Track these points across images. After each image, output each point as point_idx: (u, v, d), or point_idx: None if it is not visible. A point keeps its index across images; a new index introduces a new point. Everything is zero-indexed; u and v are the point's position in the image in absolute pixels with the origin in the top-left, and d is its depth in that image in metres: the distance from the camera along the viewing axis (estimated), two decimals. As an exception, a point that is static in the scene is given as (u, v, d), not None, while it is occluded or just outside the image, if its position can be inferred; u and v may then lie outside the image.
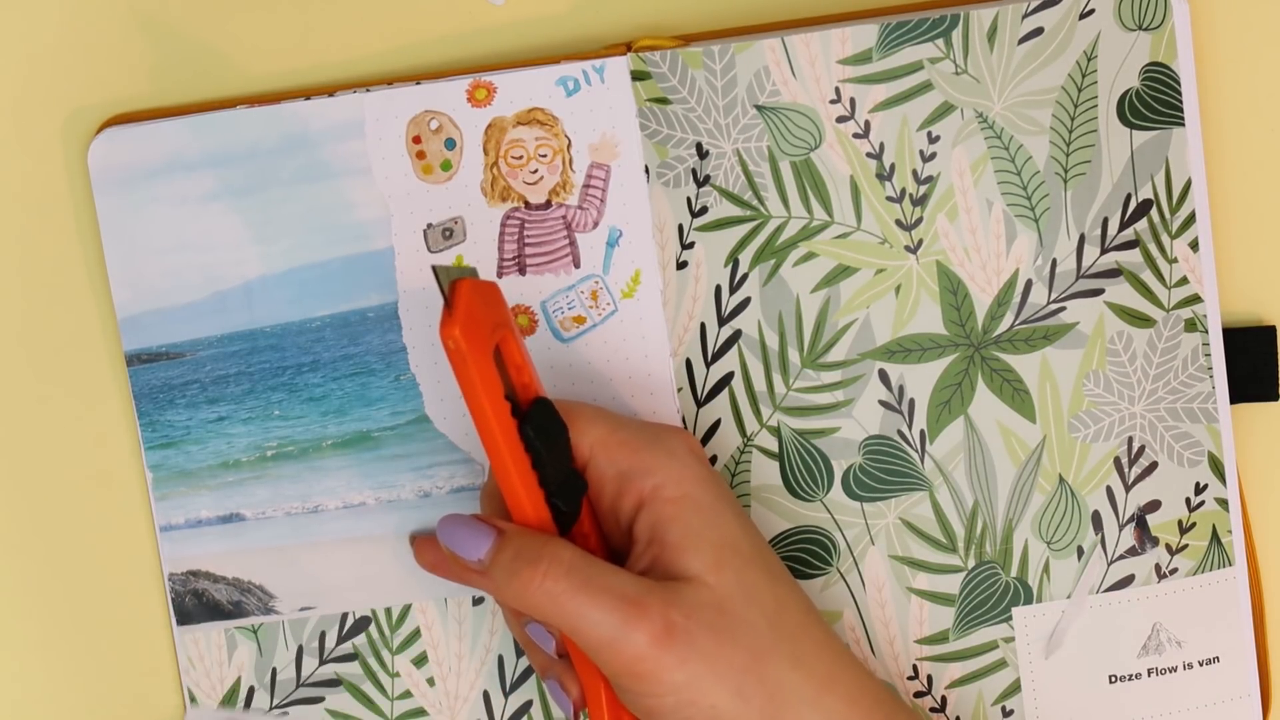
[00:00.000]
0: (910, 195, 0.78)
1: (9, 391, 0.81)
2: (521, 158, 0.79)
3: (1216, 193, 0.80)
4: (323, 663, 0.82)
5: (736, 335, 0.79)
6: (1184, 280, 0.78)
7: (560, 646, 0.74)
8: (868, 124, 0.78)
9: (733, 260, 0.79)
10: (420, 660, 0.82)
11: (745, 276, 0.79)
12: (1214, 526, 0.79)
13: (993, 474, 0.79)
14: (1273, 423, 0.81)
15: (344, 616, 0.81)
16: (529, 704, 0.81)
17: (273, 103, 0.79)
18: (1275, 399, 0.80)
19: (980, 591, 0.80)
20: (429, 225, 0.79)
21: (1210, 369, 0.79)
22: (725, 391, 0.80)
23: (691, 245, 0.79)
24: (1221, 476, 0.79)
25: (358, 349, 0.80)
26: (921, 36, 0.77)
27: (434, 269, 0.69)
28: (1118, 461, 0.79)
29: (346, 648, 0.82)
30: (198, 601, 0.81)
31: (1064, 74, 0.77)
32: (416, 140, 0.79)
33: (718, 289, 0.79)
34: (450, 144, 0.79)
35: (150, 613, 0.82)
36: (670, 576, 0.71)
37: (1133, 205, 0.78)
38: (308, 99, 0.79)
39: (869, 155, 0.78)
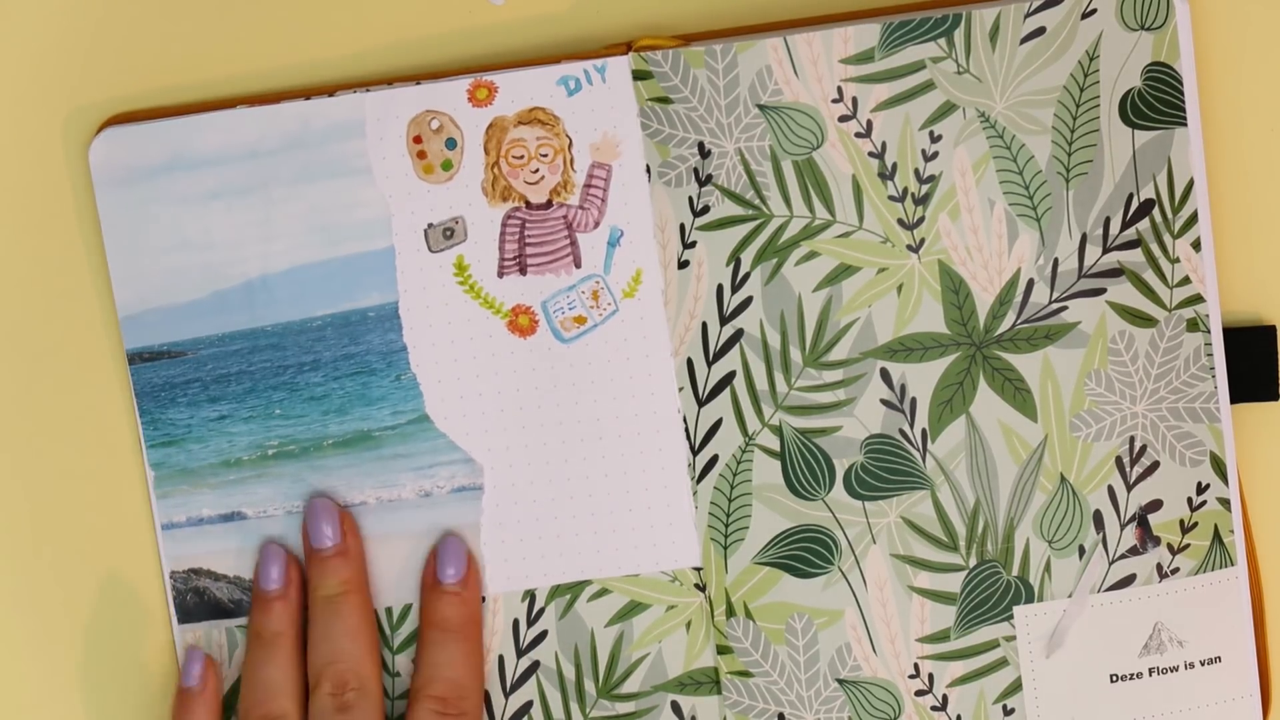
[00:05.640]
0: (912, 194, 0.78)
1: (10, 389, 0.81)
2: (522, 157, 0.79)
3: (1216, 192, 0.80)
4: (324, 661, 0.82)
5: (738, 334, 0.79)
6: (1186, 280, 0.78)
7: None
8: (870, 123, 0.78)
9: (734, 259, 0.79)
10: (421, 659, 0.82)
11: (747, 276, 0.79)
12: (1216, 526, 0.79)
13: (994, 473, 0.79)
14: (1273, 423, 0.81)
15: (345, 615, 0.82)
16: (529, 705, 0.81)
17: (273, 103, 0.79)
18: (1275, 399, 0.80)
19: (981, 590, 0.80)
20: (430, 225, 0.79)
21: (1212, 369, 0.79)
22: (727, 390, 0.80)
23: (693, 244, 0.79)
24: (1224, 476, 0.79)
25: (358, 348, 0.80)
26: (924, 36, 0.77)
27: None
28: (1119, 461, 0.79)
29: (348, 646, 0.82)
30: (199, 599, 0.81)
31: (1066, 73, 0.77)
32: (417, 140, 0.79)
33: (719, 288, 0.79)
34: (451, 144, 0.79)
35: (151, 611, 0.82)
36: None
37: (1135, 205, 0.78)
38: (308, 99, 0.79)
39: (871, 154, 0.78)
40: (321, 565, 0.79)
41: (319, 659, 0.78)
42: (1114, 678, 0.80)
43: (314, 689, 0.78)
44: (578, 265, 0.79)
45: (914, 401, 0.79)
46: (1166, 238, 0.78)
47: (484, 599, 0.81)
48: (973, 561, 0.80)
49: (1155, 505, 0.79)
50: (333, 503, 0.80)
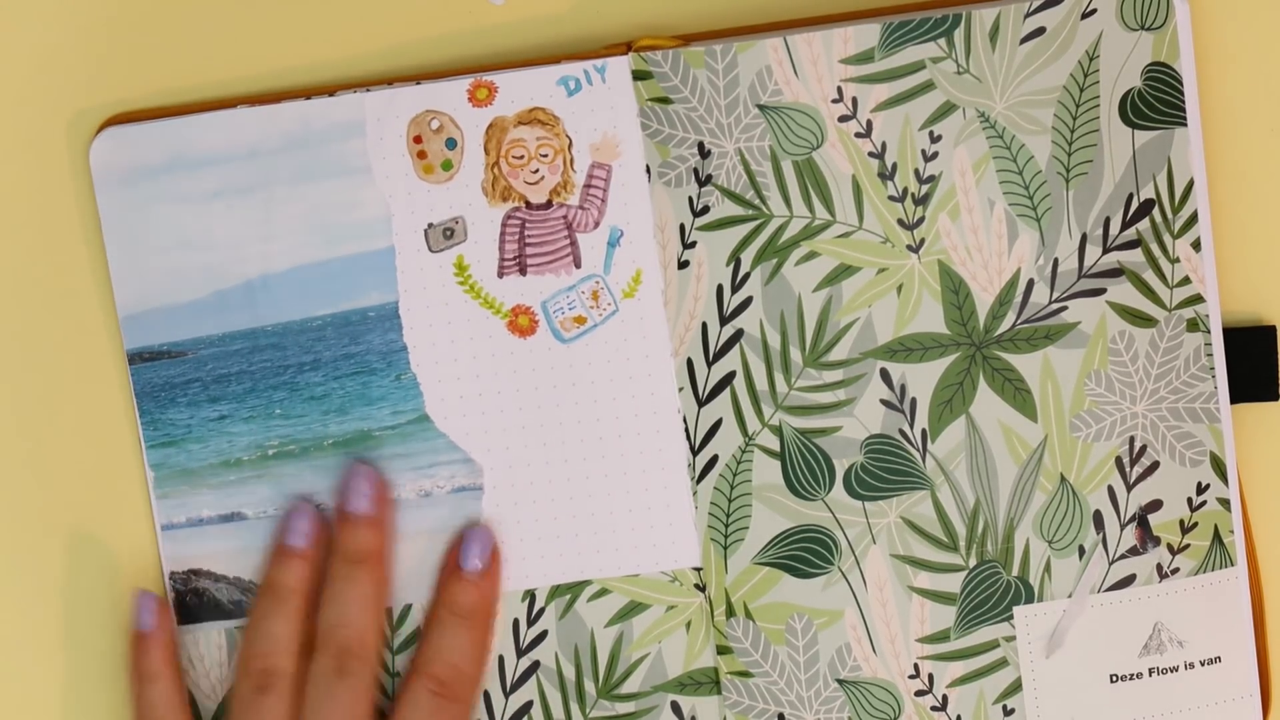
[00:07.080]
0: (912, 194, 0.78)
1: (10, 389, 0.81)
2: (522, 157, 0.79)
3: (1216, 192, 0.80)
4: (324, 661, 0.82)
5: (738, 334, 0.79)
6: (1186, 280, 0.78)
7: None
8: (870, 123, 0.78)
9: (734, 259, 0.79)
10: (421, 659, 0.82)
11: (747, 276, 0.79)
12: (1216, 526, 0.79)
13: (994, 473, 0.79)
14: (1273, 423, 0.81)
15: (345, 615, 0.81)
16: (529, 704, 0.81)
17: (273, 103, 0.79)
18: (1275, 399, 0.80)
19: (981, 590, 0.80)
20: (430, 225, 0.79)
21: (1212, 369, 0.79)
22: (727, 391, 0.80)
23: (693, 245, 0.79)
24: (1223, 476, 0.79)
25: (359, 348, 0.80)
26: (923, 36, 0.77)
27: None
28: (1119, 461, 0.79)
29: (347, 646, 0.82)
30: (199, 600, 0.81)
31: (1066, 74, 0.77)
32: (417, 140, 0.79)
33: (719, 288, 0.79)
34: (451, 144, 0.79)
35: (151, 611, 0.82)
36: None
37: (1135, 205, 0.78)
38: (308, 99, 0.79)
39: (871, 155, 0.78)
40: (350, 528, 0.79)
41: (327, 620, 0.78)
42: (1114, 678, 0.80)
43: (317, 649, 0.78)
44: (578, 265, 0.79)
45: (914, 401, 0.79)
46: (1166, 238, 0.78)
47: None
48: (973, 562, 0.80)
49: (1155, 505, 0.79)
50: (373, 469, 0.80)
